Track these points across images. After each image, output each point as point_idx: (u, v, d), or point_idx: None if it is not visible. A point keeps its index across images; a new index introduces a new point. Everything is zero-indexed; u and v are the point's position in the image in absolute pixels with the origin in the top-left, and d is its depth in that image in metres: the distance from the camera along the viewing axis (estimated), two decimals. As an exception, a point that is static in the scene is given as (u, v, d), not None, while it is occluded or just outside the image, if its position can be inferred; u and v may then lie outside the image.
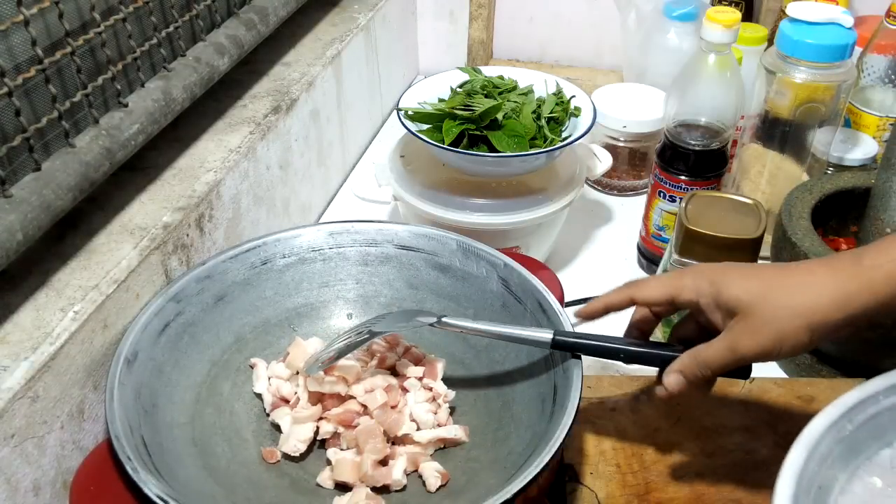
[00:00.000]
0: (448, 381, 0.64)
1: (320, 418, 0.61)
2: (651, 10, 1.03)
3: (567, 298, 0.68)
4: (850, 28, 0.74)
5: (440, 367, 0.64)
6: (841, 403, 0.48)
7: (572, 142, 0.76)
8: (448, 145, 0.75)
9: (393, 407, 0.61)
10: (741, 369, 0.54)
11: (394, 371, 0.64)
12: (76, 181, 0.55)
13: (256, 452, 0.60)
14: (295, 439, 0.59)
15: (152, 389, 0.57)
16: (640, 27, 1.05)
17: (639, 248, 0.88)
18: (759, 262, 0.67)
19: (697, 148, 0.78)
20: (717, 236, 0.65)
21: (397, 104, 0.80)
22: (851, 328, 0.48)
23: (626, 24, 1.08)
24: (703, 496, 0.57)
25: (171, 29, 0.68)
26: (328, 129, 0.94)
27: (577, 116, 0.81)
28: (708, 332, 0.52)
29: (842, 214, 0.78)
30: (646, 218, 0.85)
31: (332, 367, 0.61)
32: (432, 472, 0.58)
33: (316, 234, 0.69)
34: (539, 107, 0.81)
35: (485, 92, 0.82)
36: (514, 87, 0.84)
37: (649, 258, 0.86)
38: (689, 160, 0.79)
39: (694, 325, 0.55)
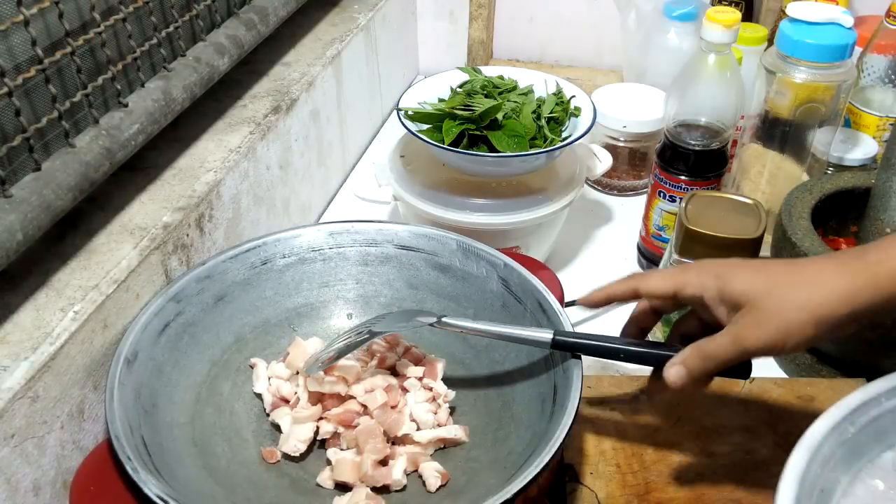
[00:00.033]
0: (448, 381, 0.64)
1: (320, 418, 0.61)
2: (651, 10, 1.03)
3: (567, 298, 0.68)
4: (850, 28, 0.74)
5: (440, 367, 0.64)
6: (843, 405, 0.48)
7: (572, 142, 0.76)
8: (448, 145, 0.75)
9: (393, 407, 0.61)
10: (741, 369, 0.54)
11: (394, 371, 0.64)
12: (76, 181, 0.55)
13: (256, 452, 0.60)
14: (295, 439, 0.59)
15: (152, 389, 0.57)
16: (640, 27, 1.05)
17: (639, 248, 0.88)
18: (760, 262, 0.67)
19: (697, 148, 0.78)
20: (717, 236, 0.65)
21: (397, 104, 0.80)
22: (855, 325, 0.48)
23: (626, 24, 1.08)
24: (703, 496, 0.57)
25: (171, 29, 0.68)
26: (328, 129, 0.94)
27: (577, 116, 0.81)
28: (710, 329, 0.52)
29: (842, 214, 0.78)
30: (646, 218, 0.85)
31: (332, 367, 0.61)
32: (432, 472, 0.58)
33: (316, 234, 0.69)
34: (539, 107, 0.81)
35: (485, 92, 0.82)
36: (514, 87, 0.84)
37: (649, 258, 0.86)
38: (689, 160, 0.79)
39: (696, 323, 0.55)
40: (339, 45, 0.94)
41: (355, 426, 0.59)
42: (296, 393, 0.62)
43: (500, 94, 0.82)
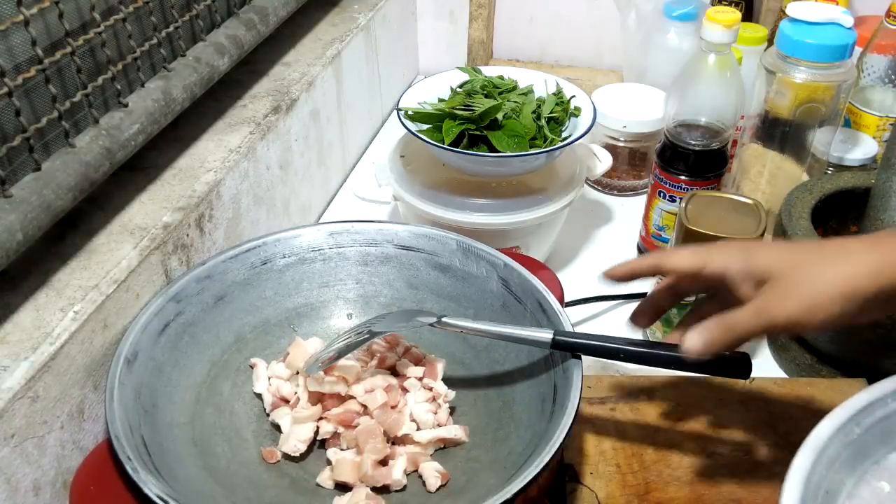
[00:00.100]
0: (448, 381, 0.64)
1: (320, 418, 0.61)
2: (651, 10, 1.03)
3: (567, 298, 0.68)
4: (850, 28, 0.75)
5: (440, 367, 0.64)
6: (849, 406, 0.48)
7: (572, 142, 0.76)
8: (448, 145, 0.75)
9: (393, 407, 0.61)
10: (741, 369, 0.54)
11: (394, 371, 0.64)
12: (76, 181, 0.55)
13: (256, 452, 0.60)
14: (295, 439, 0.59)
15: (152, 389, 0.57)
16: (640, 27, 1.05)
17: (639, 248, 0.88)
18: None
19: (697, 148, 0.78)
20: (717, 236, 0.65)
21: (397, 104, 0.80)
22: (881, 309, 0.47)
23: (626, 24, 1.08)
24: (703, 496, 0.57)
25: (171, 29, 0.68)
26: (328, 129, 0.94)
27: (577, 116, 0.81)
28: None
29: (842, 214, 0.78)
30: (646, 218, 0.85)
31: (332, 367, 0.61)
32: (432, 472, 0.58)
33: (316, 234, 0.69)
34: (539, 107, 0.80)
35: (485, 92, 0.82)
36: (514, 87, 0.84)
37: (649, 258, 0.86)
38: (689, 160, 0.79)
39: (712, 310, 0.53)
40: (339, 45, 0.94)
41: (355, 426, 0.59)
42: (296, 393, 0.62)
43: (500, 94, 0.82)
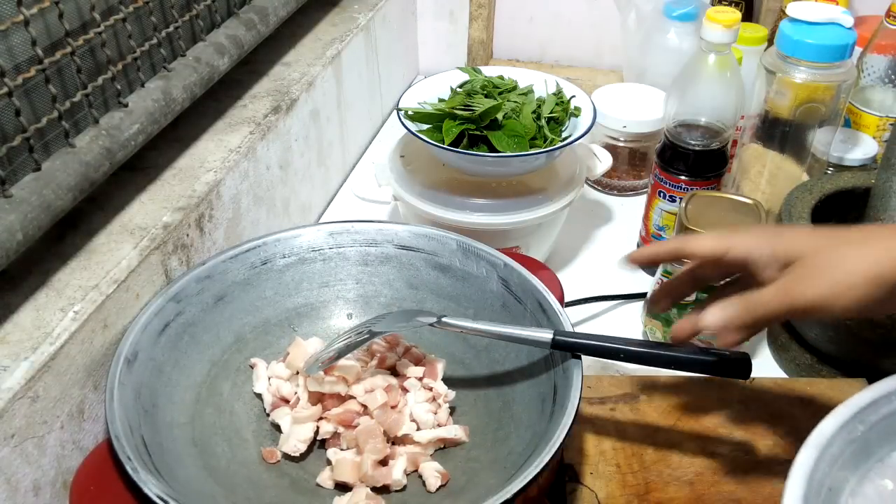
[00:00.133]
0: (448, 381, 0.64)
1: (320, 418, 0.61)
2: (651, 10, 1.03)
3: (567, 298, 0.68)
4: (850, 28, 0.74)
5: (440, 367, 0.64)
6: (852, 404, 0.48)
7: (572, 142, 0.76)
8: (448, 145, 0.75)
9: (393, 407, 0.61)
10: (741, 369, 0.54)
11: (394, 371, 0.64)
12: (76, 181, 0.55)
13: (256, 452, 0.60)
14: (295, 439, 0.59)
15: (152, 389, 0.57)
16: (640, 27, 1.05)
17: (639, 248, 0.88)
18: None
19: (697, 148, 0.78)
20: (717, 236, 0.65)
21: (397, 104, 0.80)
22: None
23: (626, 24, 1.08)
24: (703, 496, 0.57)
25: (171, 29, 0.68)
26: (328, 129, 0.94)
27: (577, 116, 0.81)
28: None
29: (842, 214, 0.78)
30: (646, 218, 0.85)
31: (332, 367, 0.61)
32: (432, 472, 0.58)
33: (316, 234, 0.69)
34: (539, 107, 0.80)
35: (485, 92, 0.82)
36: (514, 87, 0.84)
37: (649, 258, 0.86)
38: (689, 160, 0.79)
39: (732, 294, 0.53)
40: (339, 45, 0.94)
41: (355, 426, 0.59)
42: (296, 393, 0.62)
43: (500, 94, 0.82)
